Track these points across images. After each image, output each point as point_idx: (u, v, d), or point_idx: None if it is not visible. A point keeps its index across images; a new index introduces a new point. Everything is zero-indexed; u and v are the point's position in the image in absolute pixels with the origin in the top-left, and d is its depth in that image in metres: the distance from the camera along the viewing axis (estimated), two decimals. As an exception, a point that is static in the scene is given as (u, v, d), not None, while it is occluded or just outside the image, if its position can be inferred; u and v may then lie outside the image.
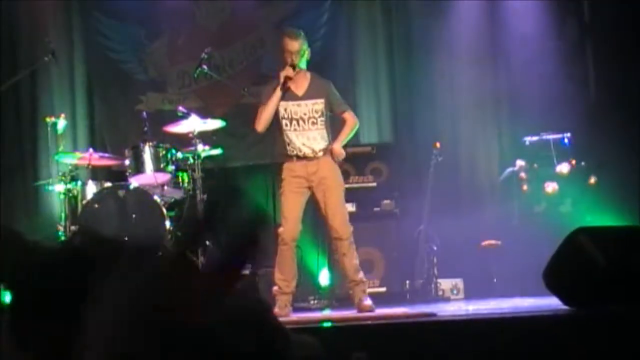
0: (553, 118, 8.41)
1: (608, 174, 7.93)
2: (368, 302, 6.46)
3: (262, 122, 6.59)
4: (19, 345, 1.47)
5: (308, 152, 6.55)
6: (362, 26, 9.01)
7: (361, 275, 6.61)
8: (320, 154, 6.56)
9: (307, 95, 6.61)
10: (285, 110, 6.56)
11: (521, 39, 8.80)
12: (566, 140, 8.19)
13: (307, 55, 6.63)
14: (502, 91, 8.87)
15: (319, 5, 9.04)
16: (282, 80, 6.50)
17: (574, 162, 8.02)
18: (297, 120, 6.56)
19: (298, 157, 6.56)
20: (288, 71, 6.51)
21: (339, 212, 6.58)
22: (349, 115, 6.75)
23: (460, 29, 8.86)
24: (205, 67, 7.79)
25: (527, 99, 8.71)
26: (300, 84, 6.63)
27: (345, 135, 6.71)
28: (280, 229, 6.54)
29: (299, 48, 6.57)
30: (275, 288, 6.58)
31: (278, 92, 6.54)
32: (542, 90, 8.60)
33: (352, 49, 8.80)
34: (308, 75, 6.68)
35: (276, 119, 6.58)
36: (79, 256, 1.55)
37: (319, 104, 6.59)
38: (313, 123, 6.57)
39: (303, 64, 6.60)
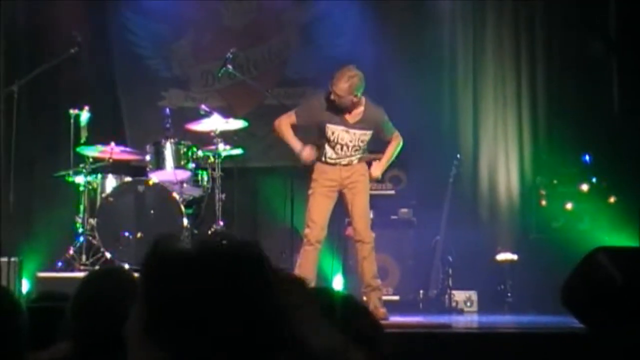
0: (575, 135, 8.39)
1: (628, 193, 7.90)
2: (383, 309, 6.46)
3: (278, 133, 6.68)
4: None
5: (344, 162, 6.59)
6: (392, 30, 8.96)
7: (378, 281, 6.62)
8: (355, 162, 6.60)
9: (359, 125, 6.52)
10: (333, 133, 6.52)
11: (544, 55, 8.78)
12: (587, 158, 8.16)
13: (360, 90, 6.40)
14: (524, 106, 8.83)
15: (346, 9, 9.00)
16: (305, 160, 6.56)
17: (594, 180, 7.99)
18: (342, 146, 6.56)
19: (333, 164, 6.59)
20: (309, 158, 6.54)
21: (365, 216, 6.63)
22: (396, 136, 6.71)
23: (483, 41, 8.84)
24: (229, 66, 7.80)
25: (549, 116, 8.69)
26: (354, 114, 6.52)
27: (389, 159, 6.71)
28: (307, 230, 6.55)
29: (355, 99, 6.39)
30: None
31: (296, 153, 6.57)
32: (565, 106, 8.58)
33: (380, 54, 8.78)
34: (363, 100, 6.50)
35: (322, 133, 6.56)
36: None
37: (367, 135, 6.57)
38: (356, 150, 6.60)
39: (355, 100, 6.41)
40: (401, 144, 6.75)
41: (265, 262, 1.49)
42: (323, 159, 6.60)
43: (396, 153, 6.76)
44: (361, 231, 6.57)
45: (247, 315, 1.42)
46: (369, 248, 6.57)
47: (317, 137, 6.63)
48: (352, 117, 6.51)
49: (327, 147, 6.57)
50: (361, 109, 6.52)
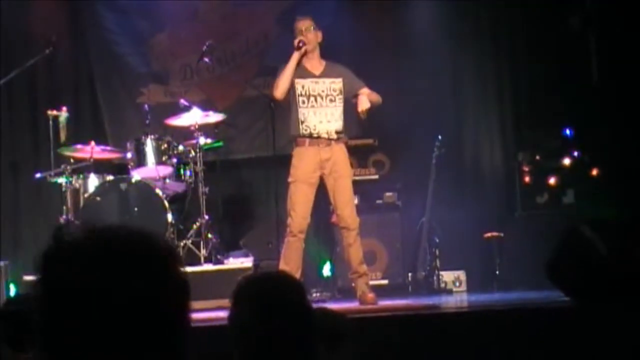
0: (555, 109, 8.40)
1: (610, 165, 7.92)
2: (371, 294, 6.46)
3: (279, 86, 6.59)
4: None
5: (322, 132, 6.52)
6: (368, 19, 8.94)
7: (365, 267, 6.62)
8: (335, 136, 6.55)
9: (325, 74, 6.68)
10: (303, 87, 6.57)
11: (522, 31, 8.78)
12: (568, 132, 8.17)
13: (320, 38, 6.68)
14: (504, 83, 8.84)
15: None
16: (296, 43, 6.55)
17: (576, 154, 8.01)
18: (315, 97, 6.58)
19: (311, 139, 6.52)
20: (304, 37, 6.59)
21: (350, 202, 6.61)
22: (368, 90, 6.72)
23: (461, 22, 8.83)
24: (207, 59, 7.78)
25: (529, 91, 8.70)
26: (316, 65, 6.69)
27: (372, 95, 6.67)
28: (289, 220, 6.53)
29: (309, 25, 6.65)
30: None
31: (295, 55, 6.57)
32: (545, 81, 8.59)
33: (357, 42, 8.76)
34: (323, 61, 6.74)
35: (292, 97, 6.58)
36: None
37: (336, 83, 6.64)
38: (331, 100, 6.59)
39: (316, 47, 6.67)
40: (380, 97, 6.75)
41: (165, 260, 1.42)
42: (301, 132, 6.55)
43: (378, 99, 6.72)
44: (346, 217, 6.55)
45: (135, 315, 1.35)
46: (354, 235, 6.55)
47: (292, 111, 6.63)
48: (316, 69, 6.66)
49: (301, 113, 6.55)
50: (323, 64, 6.71)
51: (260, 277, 2.26)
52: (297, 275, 6.58)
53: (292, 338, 2.17)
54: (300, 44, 6.55)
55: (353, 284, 6.63)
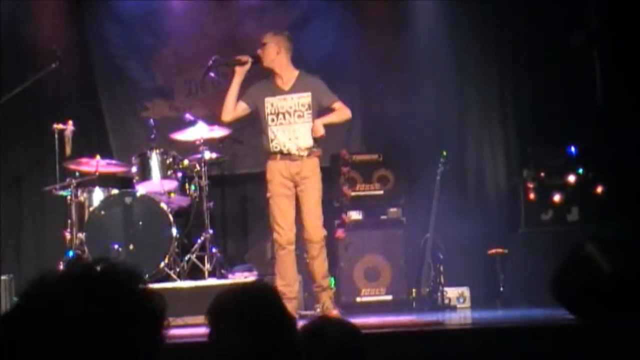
0: (559, 127, 8.41)
1: (615, 183, 7.92)
2: (335, 310, 6.48)
3: (224, 109, 6.79)
4: None
5: (292, 149, 6.57)
6: (373, 36, 8.95)
7: (328, 281, 6.65)
8: (305, 153, 6.58)
9: (293, 90, 6.71)
10: (272, 105, 6.64)
11: (526, 47, 8.79)
12: (573, 149, 8.17)
13: (277, 50, 6.72)
14: (508, 99, 8.85)
15: (328, 12, 8.98)
16: (230, 62, 6.75)
17: (580, 171, 8.01)
18: (283, 114, 6.63)
19: (282, 155, 6.57)
20: (242, 56, 6.75)
21: (313, 214, 6.61)
22: (339, 105, 6.78)
23: (464, 37, 8.84)
24: (212, 74, 7.80)
25: (533, 108, 8.70)
26: (287, 80, 6.73)
27: (331, 117, 6.73)
28: (275, 235, 6.56)
29: (264, 41, 6.75)
30: None
31: (234, 78, 6.73)
32: (549, 98, 8.60)
33: (362, 58, 8.78)
34: (296, 72, 6.78)
35: (262, 116, 6.66)
36: None
37: (305, 97, 6.66)
38: (299, 116, 6.63)
39: (277, 60, 6.71)
40: (348, 113, 6.80)
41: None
42: (272, 149, 6.61)
43: (340, 119, 6.79)
44: (310, 230, 6.58)
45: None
46: (319, 247, 6.58)
47: (262, 130, 6.71)
48: (286, 84, 6.71)
49: (271, 130, 6.63)
50: (295, 74, 6.74)
51: (235, 291, 2.24)
52: (295, 287, 6.60)
53: (277, 349, 2.16)
54: (234, 62, 6.76)
55: (317, 298, 6.65)
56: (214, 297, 2.28)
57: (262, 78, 6.91)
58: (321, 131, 6.61)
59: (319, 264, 6.58)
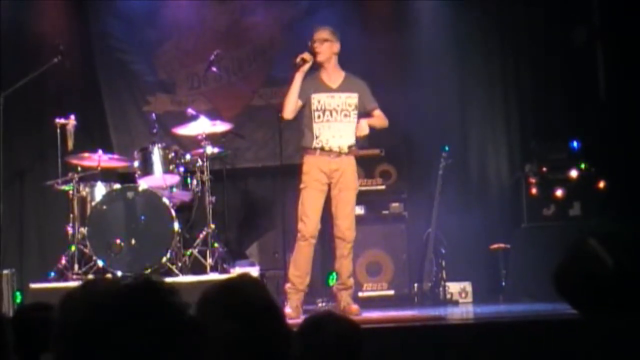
0: (562, 121, 8.41)
1: (617, 178, 7.91)
2: (355, 306, 6.56)
3: (286, 108, 6.65)
4: None
5: (334, 147, 6.56)
6: (375, 30, 8.93)
7: (352, 281, 6.68)
8: (345, 150, 6.58)
9: (341, 89, 6.68)
10: (319, 102, 6.60)
11: (530, 43, 8.78)
12: (575, 144, 8.16)
13: (336, 49, 6.68)
14: (510, 95, 8.84)
15: (331, 5, 8.97)
16: (297, 60, 6.54)
17: (583, 166, 8.00)
18: (330, 112, 6.61)
19: (322, 151, 6.56)
20: (305, 54, 6.57)
21: (350, 214, 6.62)
22: (379, 112, 6.81)
23: (469, 32, 8.83)
24: (214, 68, 7.80)
25: (536, 103, 8.69)
26: (335, 78, 6.70)
27: (373, 121, 6.73)
28: (301, 225, 6.54)
29: (325, 37, 6.65)
30: (287, 285, 6.56)
31: (296, 76, 6.57)
32: (552, 93, 8.59)
33: (364, 52, 8.77)
34: (342, 72, 6.75)
35: (308, 112, 6.61)
36: None
37: (352, 98, 6.66)
38: (345, 115, 6.62)
39: (331, 58, 6.67)
40: (386, 122, 6.83)
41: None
42: (313, 146, 6.58)
43: (380, 125, 6.80)
44: (344, 229, 6.57)
45: None
46: (349, 247, 6.60)
47: (307, 126, 6.64)
48: (334, 82, 6.67)
49: (316, 127, 6.57)
50: (342, 76, 6.71)
51: (219, 284, 2.25)
52: (307, 280, 6.59)
53: (263, 337, 2.16)
54: (300, 62, 6.56)
55: (337, 295, 6.66)
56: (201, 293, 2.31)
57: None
58: (366, 130, 6.65)
59: (348, 263, 6.62)
